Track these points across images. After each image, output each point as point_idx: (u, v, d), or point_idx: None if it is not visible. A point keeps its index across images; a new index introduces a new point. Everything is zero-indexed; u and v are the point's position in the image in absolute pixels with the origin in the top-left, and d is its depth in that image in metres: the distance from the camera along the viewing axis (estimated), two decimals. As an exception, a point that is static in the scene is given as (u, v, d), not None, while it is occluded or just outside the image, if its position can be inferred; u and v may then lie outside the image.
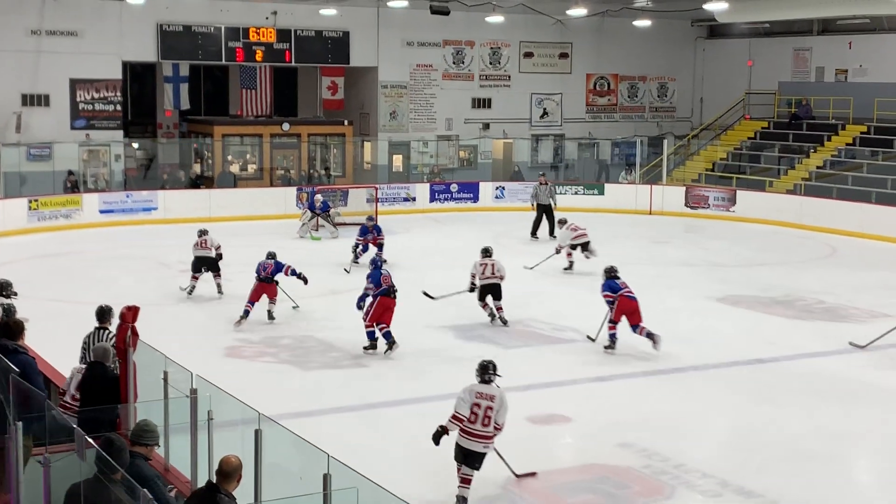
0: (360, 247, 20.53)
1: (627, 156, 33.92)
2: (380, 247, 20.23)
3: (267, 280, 15.89)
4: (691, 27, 35.85)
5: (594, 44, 34.64)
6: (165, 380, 8.11)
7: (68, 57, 27.78)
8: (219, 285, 17.75)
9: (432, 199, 29.98)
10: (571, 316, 16.24)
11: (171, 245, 22.09)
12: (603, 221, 26.94)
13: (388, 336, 14.08)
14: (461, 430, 9.22)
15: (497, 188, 30.66)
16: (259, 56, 30.16)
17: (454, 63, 32.98)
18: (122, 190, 27.63)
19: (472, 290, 16.08)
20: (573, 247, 20.36)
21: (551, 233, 23.62)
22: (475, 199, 30.37)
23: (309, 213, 25.05)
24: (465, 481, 9.24)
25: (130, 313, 8.27)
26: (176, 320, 15.97)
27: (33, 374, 8.48)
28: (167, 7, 28.86)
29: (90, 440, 6.33)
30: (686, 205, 29.47)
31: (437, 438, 9.30)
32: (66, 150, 27.54)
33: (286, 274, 16.13)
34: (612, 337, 14.50)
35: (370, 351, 14.11)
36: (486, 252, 16.29)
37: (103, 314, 9.94)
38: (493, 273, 15.88)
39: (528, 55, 34.02)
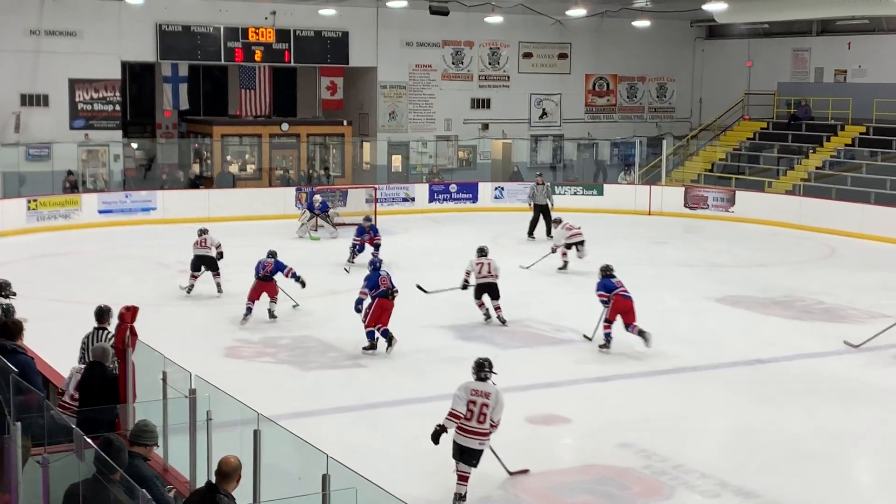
0: (357, 247, 20.56)
1: (626, 156, 33.94)
2: (376, 247, 20.26)
3: (266, 278, 15.91)
4: (690, 28, 35.86)
5: (593, 44, 34.65)
6: (164, 380, 8.10)
7: (67, 57, 27.77)
8: (218, 284, 17.81)
9: (431, 200, 29.98)
10: (571, 316, 16.22)
11: (169, 245, 22.09)
12: (602, 222, 26.97)
13: (385, 334, 14.11)
14: (458, 427, 9.25)
15: (496, 188, 30.66)
16: (258, 56, 30.16)
17: (453, 63, 32.98)
18: (121, 190, 27.61)
19: (464, 287, 16.17)
20: (568, 246, 20.38)
21: (548, 233, 23.63)
22: (474, 199, 30.37)
23: (308, 214, 25.06)
24: (463, 478, 9.27)
25: (129, 313, 8.27)
26: (175, 320, 15.95)
27: (32, 374, 8.47)
28: (166, 7, 28.85)
29: (89, 440, 6.32)
30: (685, 205, 29.46)
31: (436, 437, 9.33)
32: (65, 151, 27.52)
33: (286, 276, 16.15)
34: (607, 336, 14.50)
35: (369, 351, 14.11)
36: (482, 251, 16.33)
37: (102, 314, 9.93)
38: (489, 272, 15.92)
39: (528, 55, 34.02)
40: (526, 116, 34.22)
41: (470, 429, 9.21)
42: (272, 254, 16.34)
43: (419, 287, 16.60)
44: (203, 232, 18.08)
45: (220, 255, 17.98)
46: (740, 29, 34.64)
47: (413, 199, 29.77)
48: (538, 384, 13.07)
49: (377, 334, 14.11)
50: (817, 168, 29.74)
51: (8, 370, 7.70)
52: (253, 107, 31.34)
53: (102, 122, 28.56)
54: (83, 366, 9.08)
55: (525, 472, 10.03)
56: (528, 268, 20.31)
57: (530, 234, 24.64)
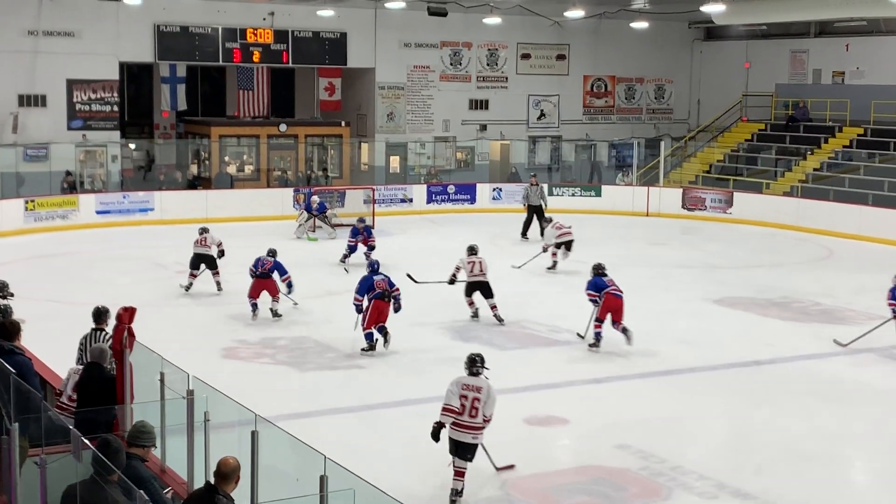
0: (350, 247, 20.64)
1: (624, 157, 33.93)
2: (370, 248, 20.31)
3: (264, 276, 15.95)
4: (688, 29, 35.88)
5: (591, 45, 34.66)
6: (162, 381, 8.09)
7: (65, 57, 27.75)
8: (218, 283, 17.93)
9: (429, 201, 29.98)
10: (568, 317, 16.20)
11: (167, 246, 22.09)
12: (600, 223, 27.01)
13: (382, 330, 14.17)
14: (452, 422, 9.32)
15: (494, 189, 30.67)
16: (256, 57, 30.15)
17: (451, 64, 32.98)
18: (119, 191, 27.60)
19: (451, 282, 16.30)
20: (558, 245, 20.40)
21: (542, 233, 23.65)
22: (472, 200, 30.37)
23: (306, 214, 25.06)
24: (459, 474, 9.34)
25: (127, 314, 8.26)
26: (173, 321, 15.95)
27: (30, 374, 8.47)
28: (164, 8, 28.84)
29: (86, 441, 6.31)
30: (683, 206, 29.47)
31: (435, 435, 9.40)
32: (63, 151, 27.49)
33: (282, 280, 16.18)
34: (598, 335, 14.53)
35: (368, 353, 14.12)
36: (472, 250, 16.41)
37: (100, 315, 9.92)
38: (481, 271, 16.01)
39: (526, 56, 34.03)
40: (524, 117, 34.23)
41: (463, 423, 9.31)
42: (272, 252, 16.41)
43: (409, 276, 16.63)
44: (204, 231, 18.20)
45: (222, 253, 18.15)
46: (738, 30, 34.66)
47: (411, 200, 29.77)
48: (536, 385, 13.08)
49: (376, 335, 14.13)
50: (815, 170, 29.76)
51: (6, 371, 7.69)
52: (251, 107, 31.34)
53: (100, 123, 28.54)
54: (81, 366, 9.07)
55: (511, 467, 10.08)
56: (519, 267, 20.37)
57: (524, 234, 24.69)
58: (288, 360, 14.09)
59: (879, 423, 12.04)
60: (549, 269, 20.40)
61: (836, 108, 31.04)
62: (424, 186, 30.43)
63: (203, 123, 31.30)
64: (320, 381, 13.28)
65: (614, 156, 34.75)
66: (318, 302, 17.35)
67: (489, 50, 33.44)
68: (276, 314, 16.03)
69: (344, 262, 20.50)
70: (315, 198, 25.38)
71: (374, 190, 28.10)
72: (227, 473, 6.23)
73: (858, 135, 30.11)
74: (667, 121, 36.49)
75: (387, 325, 14.19)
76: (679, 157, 34.29)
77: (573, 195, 30.11)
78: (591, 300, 14.61)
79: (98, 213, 26.14)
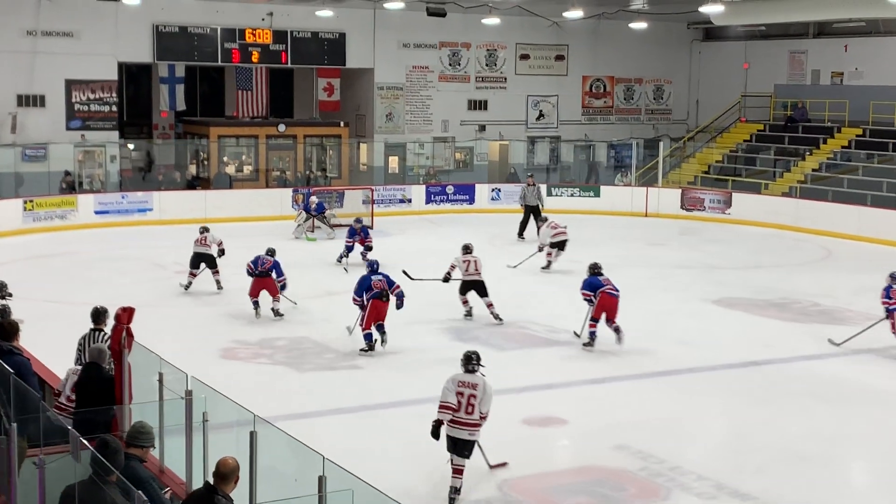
0: (347, 247, 20.67)
1: (622, 158, 33.92)
2: (367, 248, 20.35)
3: (262, 274, 15.97)
4: (687, 30, 35.87)
5: (590, 46, 34.66)
6: (160, 381, 8.09)
7: (64, 58, 27.73)
8: (217, 281, 18.01)
9: (428, 201, 29.97)
10: (567, 318, 16.18)
11: (166, 246, 22.09)
12: (598, 223, 27.01)
13: (380, 328, 14.21)
14: (449, 419, 9.36)
15: (493, 190, 30.67)
16: (255, 57, 30.13)
17: (450, 65, 32.98)
18: (118, 191, 27.59)
19: (445, 280, 16.32)
20: (552, 245, 20.41)
21: (539, 233, 23.68)
22: (471, 200, 30.37)
23: (304, 215, 25.06)
24: (458, 471, 9.39)
25: (125, 314, 8.25)
26: (171, 322, 15.95)
27: (28, 375, 8.46)
28: (163, 8, 28.83)
29: (85, 442, 6.31)
30: (682, 207, 29.47)
31: (435, 433, 9.45)
32: (62, 151, 27.48)
33: (277, 281, 16.17)
34: (592, 335, 14.56)
35: (367, 353, 14.12)
36: (467, 248, 16.45)
37: (98, 315, 9.91)
38: (476, 270, 16.06)
39: (525, 57, 34.03)
40: (523, 118, 34.23)
41: (460, 420, 9.35)
42: (271, 251, 16.44)
43: (404, 273, 16.66)
44: (204, 230, 18.31)
45: (222, 252, 18.26)
46: (737, 31, 34.66)
47: (410, 201, 29.76)
48: (535, 386, 13.08)
49: (375, 335, 14.14)
50: (814, 170, 29.77)
51: (4, 371, 7.69)
52: (250, 108, 31.32)
53: (99, 123, 28.52)
54: (79, 367, 9.06)
55: (504, 465, 10.11)
56: (514, 267, 20.40)
57: (520, 234, 24.71)
58: (286, 361, 14.08)
59: (878, 424, 12.04)
60: (543, 268, 20.42)
61: (835, 109, 31.04)
62: (423, 187, 30.42)
63: (202, 124, 31.28)
64: (319, 381, 13.27)
65: (613, 156, 34.75)
66: (316, 302, 17.35)
67: (488, 50, 33.44)
68: (277, 313, 16.05)
69: (340, 261, 20.54)
70: (314, 198, 25.38)
71: (372, 190, 28.09)
72: (226, 474, 6.23)
73: (857, 135, 30.11)
74: (665, 121, 36.49)
75: (385, 323, 14.20)
76: (678, 157, 34.29)
77: (572, 196, 30.11)
78: (585, 300, 14.66)
79: (97, 213, 26.13)
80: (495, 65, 33.64)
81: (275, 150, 30.95)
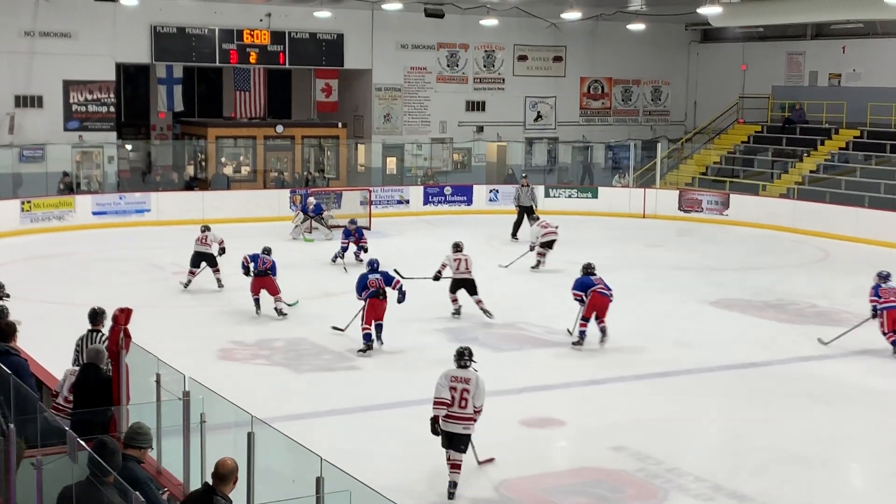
0: (341, 248, 20.73)
1: (620, 159, 33.93)
2: (362, 249, 20.43)
3: (262, 273, 16.01)
4: (685, 31, 35.90)
5: (588, 47, 34.67)
6: (158, 382, 8.09)
7: (62, 58, 27.71)
8: (218, 280, 18.10)
9: (426, 202, 29.97)
10: (563, 318, 16.18)
11: (164, 247, 22.09)
12: (596, 225, 27.02)
13: (378, 328, 14.27)
14: (444, 415, 9.45)
15: (491, 191, 30.66)
16: (253, 58, 30.12)
17: (448, 66, 32.98)
18: (116, 192, 27.57)
19: (436, 278, 16.37)
20: (543, 244, 20.42)
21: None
22: (469, 201, 30.37)
23: (302, 216, 25.05)
24: (455, 466, 9.47)
25: (123, 315, 8.25)
26: (169, 322, 15.94)
27: (25, 375, 8.46)
28: (161, 9, 28.81)
29: (82, 442, 6.30)
30: (679, 208, 29.48)
31: (434, 429, 9.54)
32: (60, 152, 27.47)
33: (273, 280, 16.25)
34: (582, 334, 14.61)
35: (364, 353, 14.12)
36: (458, 247, 16.48)
37: (96, 316, 9.91)
38: (466, 268, 16.12)
39: (523, 58, 34.04)
40: (521, 119, 34.23)
41: (454, 414, 9.45)
42: (267, 250, 16.54)
43: (395, 271, 16.66)
44: (205, 229, 18.43)
45: (223, 250, 18.40)
46: (735, 32, 34.68)
47: (407, 202, 29.75)
48: (532, 387, 13.07)
49: (373, 335, 14.16)
50: (811, 172, 29.79)
51: (2, 372, 7.68)
52: (248, 109, 31.32)
53: (97, 124, 28.50)
54: (77, 368, 9.06)
55: (491, 461, 10.18)
56: (506, 266, 20.42)
57: (514, 235, 24.73)
58: (284, 361, 14.08)
59: (876, 425, 12.04)
60: (532, 268, 20.45)
61: (833, 111, 31.07)
62: (421, 188, 30.41)
63: (200, 124, 31.27)
64: (316, 382, 13.27)
65: (611, 157, 34.75)
66: (314, 303, 17.34)
67: (486, 51, 33.44)
68: (280, 313, 16.09)
69: (335, 261, 20.62)
70: (311, 199, 25.38)
71: (370, 191, 28.08)
72: (225, 474, 6.23)
73: (855, 137, 30.14)
74: (663, 122, 36.51)
75: (383, 322, 14.23)
76: (675, 158, 34.31)
77: (570, 197, 30.12)
78: (576, 299, 14.72)
79: (94, 214, 26.10)
80: (493, 66, 33.65)
81: (272, 151, 30.94)
